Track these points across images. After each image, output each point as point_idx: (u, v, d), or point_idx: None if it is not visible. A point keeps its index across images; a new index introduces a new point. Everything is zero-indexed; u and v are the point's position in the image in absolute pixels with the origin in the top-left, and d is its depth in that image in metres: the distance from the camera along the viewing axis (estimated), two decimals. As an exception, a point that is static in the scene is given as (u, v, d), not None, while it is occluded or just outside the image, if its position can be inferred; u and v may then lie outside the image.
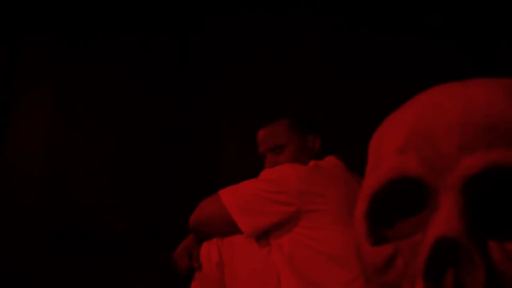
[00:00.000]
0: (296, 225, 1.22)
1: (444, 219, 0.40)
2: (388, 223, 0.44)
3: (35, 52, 2.35)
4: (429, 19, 1.91)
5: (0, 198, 2.20)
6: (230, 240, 1.28)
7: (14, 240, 2.12)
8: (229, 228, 1.26)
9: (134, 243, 2.15)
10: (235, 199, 1.24)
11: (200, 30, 2.37)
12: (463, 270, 0.38)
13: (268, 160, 1.44)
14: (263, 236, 1.27)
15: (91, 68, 2.32)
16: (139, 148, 2.27)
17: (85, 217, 2.16)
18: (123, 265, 2.08)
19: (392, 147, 0.44)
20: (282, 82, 2.17)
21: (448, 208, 0.40)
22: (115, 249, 2.12)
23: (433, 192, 0.41)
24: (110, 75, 2.32)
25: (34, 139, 2.27)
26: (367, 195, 0.44)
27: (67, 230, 2.14)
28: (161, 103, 2.32)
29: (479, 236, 0.39)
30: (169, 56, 2.36)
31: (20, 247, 2.10)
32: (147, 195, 2.22)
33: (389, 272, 0.43)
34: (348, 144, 1.69)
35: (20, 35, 2.36)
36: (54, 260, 2.05)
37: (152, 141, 2.28)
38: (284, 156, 1.42)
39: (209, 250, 1.30)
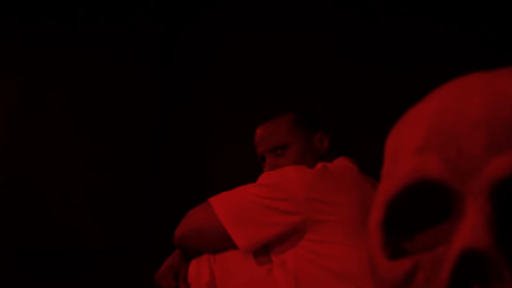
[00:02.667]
0: (301, 238, 1.24)
1: (470, 229, 0.42)
2: (406, 234, 0.46)
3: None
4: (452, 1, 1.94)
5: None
6: (223, 256, 1.30)
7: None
8: (222, 242, 1.28)
9: (111, 261, 2.17)
10: (229, 207, 1.26)
11: (191, 9, 2.39)
12: (491, 286, 0.40)
13: (268, 163, 1.45)
14: (263, 251, 1.28)
15: (62, 57, 2.33)
16: (119, 149, 2.28)
17: (54, 231, 2.18)
18: (98, 286, 2.10)
19: (410, 147, 0.46)
20: (283, 71, 2.19)
21: (474, 216, 0.42)
22: (90, 268, 2.15)
23: (457, 198, 0.43)
24: (86, 65, 2.33)
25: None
26: (382, 202, 0.47)
27: (34, 247, 2.16)
28: (146, 96, 2.34)
29: (509, 248, 0.41)
30: (154, 43, 2.38)
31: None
32: (126, 204, 2.24)
33: (408, 289, 0.45)
34: (361, 143, 1.72)
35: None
36: (24, 279, 2.08)
37: (134, 141, 2.30)
38: (286, 157, 1.44)
39: (198, 269, 1.32)
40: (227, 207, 1.26)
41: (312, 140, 1.48)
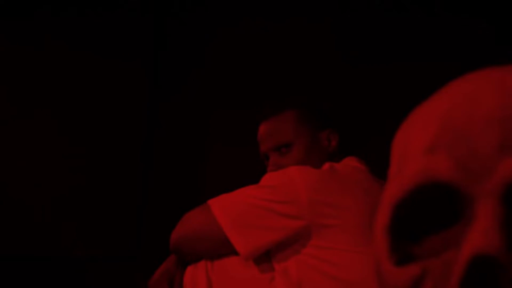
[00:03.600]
0: (305, 244, 1.25)
1: (482, 233, 0.42)
2: (414, 238, 0.47)
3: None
4: None
5: None
6: (222, 263, 1.31)
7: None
8: (221, 248, 1.28)
9: (96, 270, 2.17)
10: (229, 210, 1.27)
11: (182, 1, 2.40)
12: (503, 293, 0.40)
13: (272, 162, 1.46)
14: (264, 258, 1.29)
15: (47, 53, 2.34)
16: (105, 152, 2.29)
17: (37, 237, 2.18)
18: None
19: (419, 147, 0.47)
20: (284, 65, 2.19)
21: (486, 219, 0.42)
22: (74, 277, 2.15)
23: (468, 200, 0.44)
24: (70, 61, 2.34)
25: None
26: (389, 205, 0.47)
27: (16, 253, 2.17)
28: (134, 95, 2.34)
29: (522, 253, 0.42)
30: (143, 38, 2.39)
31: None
32: (115, 207, 2.25)
33: (415, 297, 0.45)
34: (371, 142, 1.72)
35: None
36: (5, 286, 2.08)
37: (122, 143, 2.30)
38: (291, 157, 1.44)
39: (195, 276, 1.33)
40: (227, 210, 1.26)
41: (319, 138, 1.48)
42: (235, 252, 1.26)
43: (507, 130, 0.43)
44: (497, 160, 0.43)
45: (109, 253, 2.21)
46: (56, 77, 2.33)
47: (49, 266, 2.16)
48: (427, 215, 0.46)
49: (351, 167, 1.38)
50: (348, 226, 1.23)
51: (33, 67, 2.34)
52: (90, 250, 2.20)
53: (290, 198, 1.23)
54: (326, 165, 1.33)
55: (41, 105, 2.32)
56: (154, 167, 2.30)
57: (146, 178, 2.30)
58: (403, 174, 0.47)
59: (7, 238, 2.19)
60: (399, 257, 0.47)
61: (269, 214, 1.24)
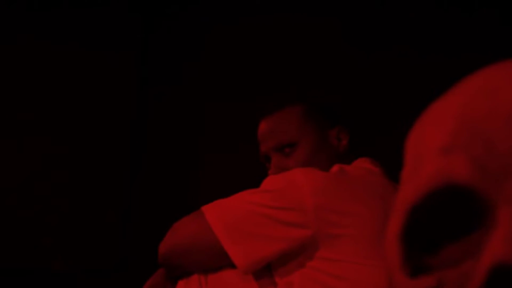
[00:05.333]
0: (311, 256, 1.25)
1: (503, 241, 0.43)
2: (429, 247, 0.48)
3: None
4: None
5: None
6: (217, 277, 1.31)
7: None
8: (216, 260, 1.29)
9: (81, 284, 2.19)
10: (225, 218, 1.27)
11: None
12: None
13: (274, 164, 1.46)
14: (265, 272, 1.30)
15: (31, 45, 2.36)
16: (90, 156, 2.30)
17: (19, 249, 2.20)
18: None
19: (434, 146, 0.48)
20: (289, 55, 2.20)
21: (507, 226, 0.44)
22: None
23: (488, 205, 0.45)
24: (54, 54, 2.36)
25: None
26: (402, 211, 0.49)
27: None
28: (122, 92, 2.36)
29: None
30: (132, 29, 2.40)
31: None
32: (98, 216, 2.26)
33: (431, 311, 0.47)
34: (381, 141, 1.73)
35: None
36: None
37: (108, 146, 2.31)
38: (295, 157, 1.45)
39: (187, 292, 1.34)
40: (223, 217, 1.27)
41: (328, 136, 1.49)
42: (232, 265, 1.27)
43: (531, 128, 0.45)
44: (520, 161, 0.45)
45: (91, 266, 2.23)
46: (43, 72, 2.35)
47: (31, 279, 2.17)
48: (443, 222, 0.47)
49: (364, 170, 1.38)
50: (359, 236, 1.24)
51: (11, 64, 2.36)
52: (71, 263, 2.21)
53: (294, 204, 1.24)
54: (335, 167, 1.33)
55: (30, 104, 2.34)
56: (142, 170, 2.32)
57: (133, 182, 2.31)
58: (417, 177, 0.48)
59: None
60: (413, 268, 0.48)
61: (271, 222, 1.24)
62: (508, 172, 0.45)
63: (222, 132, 2.26)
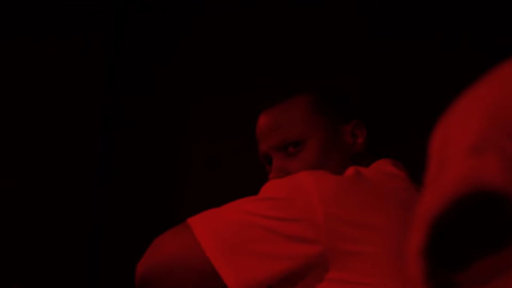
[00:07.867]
0: (320, 278, 1.26)
1: None
2: (456, 263, 0.50)
3: None
4: None
5: None
6: (207, 302, 1.33)
7: None
8: (205, 282, 1.30)
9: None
10: (216, 231, 1.28)
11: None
12: None
13: (276, 166, 1.45)
14: (264, 296, 1.31)
15: None
16: (52, 154, 2.32)
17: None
18: None
19: (462, 146, 0.49)
20: (294, 37, 2.21)
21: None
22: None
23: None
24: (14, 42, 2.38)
25: None
26: (425, 221, 0.50)
27: None
28: (88, 89, 2.38)
29: None
30: (101, 14, 2.43)
31: None
32: (62, 233, 2.27)
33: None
34: (404, 139, 1.74)
35: None
36: None
37: (72, 142, 2.33)
38: (302, 158, 1.44)
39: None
40: (214, 231, 1.27)
41: (341, 133, 1.46)
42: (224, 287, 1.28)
43: None
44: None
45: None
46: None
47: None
48: (472, 234, 0.49)
49: (384, 173, 1.38)
50: (378, 254, 1.23)
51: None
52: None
53: (301, 215, 1.23)
54: (350, 170, 1.33)
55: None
56: (112, 178, 2.32)
57: (101, 192, 2.32)
58: (442, 181, 0.49)
59: None
60: (438, 286, 0.50)
61: (272, 237, 1.24)
62: None
63: (212, 128, 2.25)
